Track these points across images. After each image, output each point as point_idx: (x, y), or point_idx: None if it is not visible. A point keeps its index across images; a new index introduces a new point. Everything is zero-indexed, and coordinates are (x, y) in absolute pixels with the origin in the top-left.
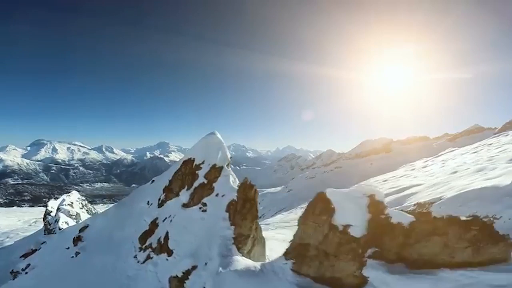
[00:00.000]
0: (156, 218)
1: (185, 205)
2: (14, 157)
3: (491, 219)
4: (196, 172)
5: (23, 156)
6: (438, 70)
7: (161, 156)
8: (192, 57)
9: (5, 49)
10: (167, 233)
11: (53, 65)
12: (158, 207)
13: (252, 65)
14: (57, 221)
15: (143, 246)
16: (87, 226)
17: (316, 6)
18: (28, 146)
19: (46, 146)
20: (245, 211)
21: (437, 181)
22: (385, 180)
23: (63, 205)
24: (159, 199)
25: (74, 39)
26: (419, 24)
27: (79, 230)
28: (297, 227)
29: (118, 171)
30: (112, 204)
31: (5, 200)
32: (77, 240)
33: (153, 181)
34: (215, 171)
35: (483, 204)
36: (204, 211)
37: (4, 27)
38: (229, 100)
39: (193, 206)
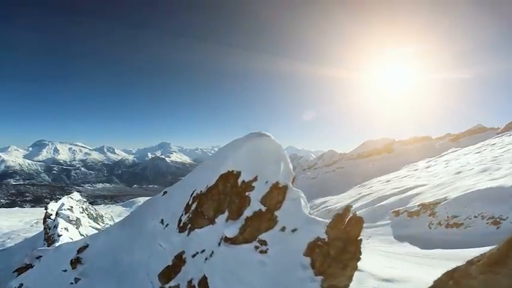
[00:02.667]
0: (182, 252)
1: (230, 240)
2: (15, 158)
3: (498, 219)
4: (246, 194)
5: (25, 156)
6: (439, 70)
7: (163, 156)
8: (193, 58)
9: (7, 50)
10: (204, 277)
11: (55, 66)
12: (179, 232)
13: (253, 65)
14: (56, 226)
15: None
16: (87, 246)
17: (319, 7)
18: (30, 146)
19: (47, 146)
20: (346, 258)
21: (441, 181)
22: (388, 181)
23: (62, 209)
24: (180, 221)
25: (75, 40)
26: (420, 25)
27: (78, 251)
28: None
29: (120, 171)
30: (114, 205)
31: (7, 201)
32: (75, 262)
33: (165, 192)
34: (278, 193)
35: (488, 204)
36: (264, 252)
37: (6, 29)
38: (230, 101)
39: (245, 244)
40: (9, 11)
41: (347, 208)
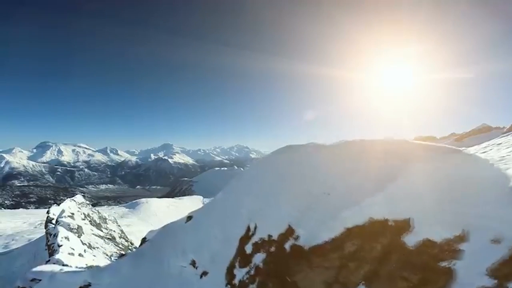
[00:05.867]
0: None
1: None
2: (20, 159)
3: None
4: (442, 264)
5: (29, 158)
6: (441, 70)
7: (165, 157)
8: (194, 58)
9: (9, 52)
10: None
11: (57, 67)
12: (227, 286)
13: (254, 65)
14: (56, 235)
15: None
16: (89, 286)
17: (317, 6)
18: (34, 148)
19: (51, 148)
20: None
21: None
22: None
23: (62, 217)
24: (231, 273)
25: (77, 41)
26: (421, 24)
27: None
28: None
29: (123, 172)
30: (117, 206)
31: (11, 202)
32: None
33: (190, 217)
34: None
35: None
36: None
37: (8, 29)
38: (232, 101)
39: None
40: (8, 11)
41: None
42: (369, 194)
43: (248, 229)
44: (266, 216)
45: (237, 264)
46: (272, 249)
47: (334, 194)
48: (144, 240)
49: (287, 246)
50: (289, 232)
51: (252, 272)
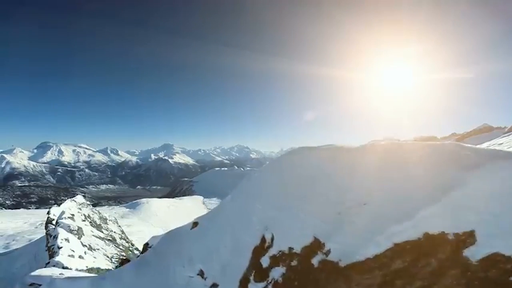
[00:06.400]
0: None
1: None
2: (21, 160)
3: None
4: None
5: (30, 158)
6: (441, 70)
7: (166, 157)
8: (195, 58)
9: (9, 51)
10: None
11: (58, 67)
12: None
13: (254, 65)
14: (56, 237)
15: None
16: None
17: (318, 6)
18: (35, 148)
19: (52, 148)
20: None
21: None
22: None
23: (62, 218)
24: (242, 281)
25: (77, 41)
26: (421, 24)
27: None
28: None
29: (123, 172)
30: (118, 206)
31: (12, 202)
32: None
33: (196, 223)
34: None
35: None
36: None
37: (8, 29)
38: (232, 101)
39: None
40: (9, 12)
41: None
42: (422, 206)
43: (263, 239)
44: (285, 226)
45: (251, 278)
46: (294, 263)
47: (372, 204)
48: (146, 246)
49: (314, 261)
50: (316, 245)
51: (270, 287)
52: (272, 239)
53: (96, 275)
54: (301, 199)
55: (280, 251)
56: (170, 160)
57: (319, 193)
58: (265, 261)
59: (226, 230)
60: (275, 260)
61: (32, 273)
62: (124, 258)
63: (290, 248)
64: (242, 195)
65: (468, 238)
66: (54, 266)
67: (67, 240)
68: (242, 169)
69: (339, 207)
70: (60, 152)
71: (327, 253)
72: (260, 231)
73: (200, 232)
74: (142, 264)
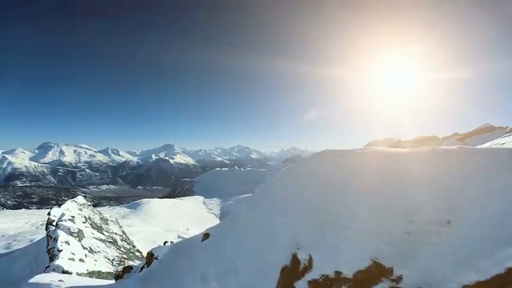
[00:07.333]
0: None
1: None
2: (22, 160)
3: None
4: None
5: (31, 158)
6: (441, 70)
7: (166, 158)
8: (195, 59)
9: (12, 54)
10: None
11: (59, 68)
12: None
13: (254, 65)
14: (56, 239)
15: None
16: None
17: (320, 7)
18: (36, 149)
19: (53, 149)
20: None
21: None
22: None
23: (62, 220)
24: None
25: (79, 42)
26: (421, 24)
27: None
28: None
29: (124, 173)
30: (118, 206)
31: (14, 202)
32: None
33: (207, 235)
34: None
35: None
36: None
37: (10, 31)
38: (233, 101)
39: None
40: (9, 12)
41: None
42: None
43: (295, 259)
44: (326, 245)
45: None
46: None
47: (460, 223)
48: (151, 257)
49: None
50: (378, 270)
51: None
52: (310, 260)
53: (98, 285)
54: (346, 214)
55: (322, 275)
56: (171, 160)
57: (371, 206)
58: (301, 286)
59: (244, 245)
60: (316, 285)
61: (30, 280)
62: (126, 265)
63: (337, 272)
64: (262, 206)
65: None
66: (54, 270)
67: (67, 243)
68: (242, 169)
69: (407, 226)
70: (61, 152)
71: (397, 280)
72: (290, 250)
73: (214, 246)
74: (147, 278)
